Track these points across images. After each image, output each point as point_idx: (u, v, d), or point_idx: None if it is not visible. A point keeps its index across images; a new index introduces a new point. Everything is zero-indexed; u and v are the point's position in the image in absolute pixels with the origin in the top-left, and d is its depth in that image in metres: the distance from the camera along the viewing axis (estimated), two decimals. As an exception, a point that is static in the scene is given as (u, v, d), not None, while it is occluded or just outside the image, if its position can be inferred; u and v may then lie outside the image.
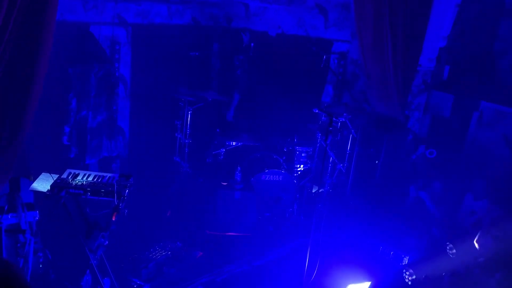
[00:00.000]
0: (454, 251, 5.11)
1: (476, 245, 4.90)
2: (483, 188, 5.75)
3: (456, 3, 6.04)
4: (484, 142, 6.12)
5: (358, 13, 5.52)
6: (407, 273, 5.02)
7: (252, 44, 6.62)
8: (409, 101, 6.31)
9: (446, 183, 6.07)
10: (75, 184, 4.33)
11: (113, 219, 4.22)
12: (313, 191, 6.59)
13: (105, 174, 4.56)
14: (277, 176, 6.30)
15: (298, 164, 6.55)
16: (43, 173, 4.46)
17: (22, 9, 3.33)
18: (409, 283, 4.93)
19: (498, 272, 4.41)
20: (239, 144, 6.44)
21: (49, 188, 4.24)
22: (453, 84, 6.42)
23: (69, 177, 4.43)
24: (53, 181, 4.33)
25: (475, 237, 4.97)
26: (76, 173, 4.55)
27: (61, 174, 4.45)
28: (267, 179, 6.27)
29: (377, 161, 6.37)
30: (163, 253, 5.29)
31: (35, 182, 4.31)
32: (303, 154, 6.54)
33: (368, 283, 4.95)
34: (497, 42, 6.47)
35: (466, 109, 6.28)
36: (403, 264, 5.24)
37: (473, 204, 5.67)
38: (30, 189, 4.25)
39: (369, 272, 5.15)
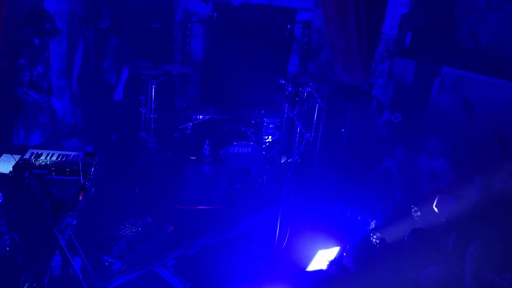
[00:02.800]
0: (419, 213, 5.31)
1: (435, 209, 5.10)
2: (439, 149, 5.93)
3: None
4: (444, 106, 6.29)
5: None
6: (374, 236, 5.19)
7: (215, 14, 6.55)
8: (372, 69, 6.42)
9: (410, 149, 6.23)
10: (39, 164, 4.26)
11: (80, 198, 4.20)
12: (282, 161, 6.69)
13: (69, 153, 4.50)
14: (245, 148, 6.35)
15: (266, 136, 6.59)
16: (4, 154, 4.38)
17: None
18: (376, 244, 5.10)
19: (454, 231, 4.60)
20: (206, 117, 6.43)
21: (11, 169, 4.18)
22: (415, 50, 6.53)
23: (32, 157, 4.35)
24: (15, 162, 4.27)
25: (434, 200, 5.16)
26: (39, 153, 4.46)
27: (23, 154, 4.38)
28: (235, 151, 6.31)
29: (343, 129, 6.47)
30: (134, 230, 5.29)
31: (-4, 163, 4.25)
32: (270, 125, 6.58)
33: (337, 248, 5.09)
34: (458, 7, 6.59)
35: (428, 75, 6.42)
36: (370, 228, 5.39)
37: (430, 165, 5.85)
38: (-9, 170, 4.19)
39: (338, 237, 5.30)
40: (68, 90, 6.64)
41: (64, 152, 4.50)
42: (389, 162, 6.23)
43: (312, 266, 4.96)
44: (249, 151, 6.37)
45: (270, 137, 6.61)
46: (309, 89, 6.12)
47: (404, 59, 6.57)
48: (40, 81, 5.18)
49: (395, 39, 6.49)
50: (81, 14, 6.41)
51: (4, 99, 5.13)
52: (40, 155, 4.43)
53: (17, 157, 4.34)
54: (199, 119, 6.39)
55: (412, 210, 5.35)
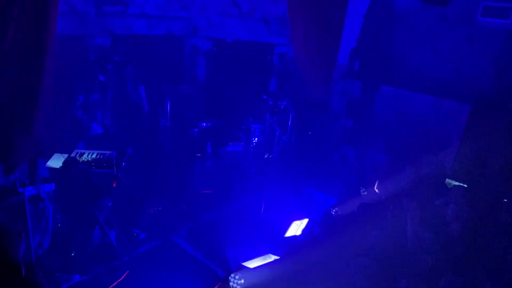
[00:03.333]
0: (365, 193, 5.36)
1: (376, 190, 5.15)
2: (379, 145, 6.01)
3: (362, 13, 6.16)
4: (384, 115, 6.37)
5: (292, 25, 5.58)
6: (334, 210, 5.23)
7: (214, 48, 6.57)
8: (331, 87, 6.44)
9: (358, 146, 6.30)
10: (82, 160, 4.32)
11: (114, 185, 4.23)
12: (265, 157, 6.68)
13: (105, 152, 4.52)
14: (238, 147, 6.35)
15: (253, 138, 6.59)
16: (55, 154, 4.38)
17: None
18: (335, 216, 5.14)
19: (391, 205, 4.66)
20: (209, 124, 6.40)
21: (61, 165, 4.20)
22: (361, 74, 6.59)
23: (77, 156, 4.40)
24: (64, 159, 4.28)
25: (375, 183, 5.21)
26: (82, 152, 4.50)
27: (70, 153, 4.39)
28: (230, 150, 6.30)
29: (310, 132, 6.51)
30: (155, 209, 5.31)
31: (49, 161, 4.24)
32: (257, 130, 6.58)
33: (307, 220, 5.09)
34: (391, 41, 6.68)
35: (371, 92, 6.49)
36: (331, 204, 5.37)
37: (375, 158, 5.92)
38: (46, 166, 4.18)
39: (307, 211, 5.31)
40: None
41: (101, 151, 4.53)
42: (344, 155, 6.28)
43: (289, 233, 4.96)
44: (241, 149, 6.38)
45: (256, 139, 6.61)
46: (285, 103, 6.17)
47: (353, 80, 6.61)
48: None
49: (347, 66, 6.54)
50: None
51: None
52: (83, 153, 4.46)
53: (65, 155, 4.34)
54: (203, 126, 6.36)
55: (361, 191, 5.40)
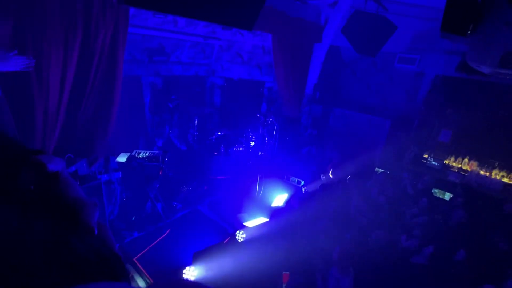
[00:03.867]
0: (324, 177, 5.41)
1: (330, 175, 5.19)
2: (333, 146, 6.05)
3: (321, 61, 6.23)
4: (336, 127, 6.43)
5: (276, 69, 5.62)
6: (303, 189, 5.26)
7: (225, 84, 6.57)
8: (301, 109, 6.49)
9: (319, 146, 6.33)
10: (139, 157, 4.26)
11: (160, 174, 4.20)
12: (259, 154, 6.69)
13: (154, 152, 4.49)
14: (240, 148, 6.31)
15: (251, 142, 6.55)
16: (122, 153, 4.34)
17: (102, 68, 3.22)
18: (304, 193, 5.17)
19: (340, 184, 4.70)
20: (222, 133, 6.37)
21: (125, 160, 4.15)
22: (321, 100, 6.63)
23: (135, 154, 4.34)
24: (127, 156, 4.24)
25: (330, 170, 5.25)
26: (139, 151, 4.44)
27: (131, 152, 4.35)
28: (235, 150, 6.27)
29: (287, 138, 6.53)
30: (187, 188, 5.27)
31: (118, 157, 4.20)
32: (253, 137, 6.53)
33: (286, 194, 5.12)
34: (340, 79, 6.76)
35: (327, 112, 6.54)
36: (301, 185, 5.42)
37: (330, 154, 5.95)
38: (115, 161, 4.14)
39: (286, 189, 5.34)
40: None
41: (152, 151, 4.50)
42: (310, 150, 6.29)
43: (274, 204, 4.98)
44: (243, 149, 6.36)
45: (253, 143, 6.57)
46: (271, 119, 6.17)
47: (316, 104, 6.66)
48: None
49: (311, 95, 6.57)
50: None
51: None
52: (140, 152, 4.40)
53: (128, 153, 4.30)
54: (218, 134, 6.35)
55: (321, 175, 5.45)
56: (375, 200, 4.26)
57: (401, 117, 5.54)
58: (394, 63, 5.50)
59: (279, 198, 5.06)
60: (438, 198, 4.56)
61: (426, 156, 5.26)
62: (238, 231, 3.91)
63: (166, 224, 4.38)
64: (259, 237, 3.80)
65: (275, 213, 4.44)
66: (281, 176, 5.68)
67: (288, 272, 3.01)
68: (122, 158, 4.13)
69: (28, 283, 0.32)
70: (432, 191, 4.63)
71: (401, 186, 4.61)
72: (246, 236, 3.85)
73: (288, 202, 4.75)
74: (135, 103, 5.30)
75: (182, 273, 3.07)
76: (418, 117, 5.36)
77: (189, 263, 3.24)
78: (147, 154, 4.35)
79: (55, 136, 3.05)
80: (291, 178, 5.61)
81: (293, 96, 5.93)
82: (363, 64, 6.29)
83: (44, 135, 2.94)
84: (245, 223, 4.32)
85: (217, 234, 4.27)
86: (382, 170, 5.40)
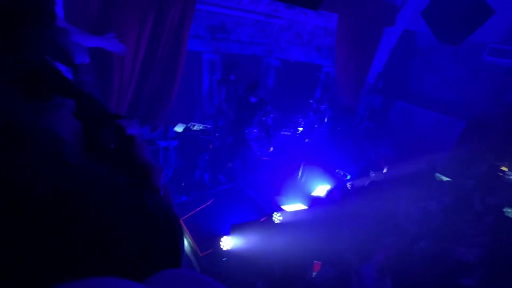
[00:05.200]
0: (374, 175, 5.12)
1: (382, 174, 4.87)
2: (389, 143, 5.62)
3: (390, 47, 5.66)
4: (395, 122, 5.93)
5: (337, 52, 5.33)
6: (348, 184, 5.09)
7: (281, 65, 6.49)
8: (359, 99, 6.11)
9: (374, 141, 5.95)
10: (194, 129, 4.55)
11: (210, 146, 4.47)
12: (305, 140, 6.63)
13: (207, 126, 4.74)
14: (287, 132, 6.29)
15: (299, 127, 6.46)
16: (179, 124, 4.71)
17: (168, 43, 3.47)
18: (349, 188, 5.01)
19: (391, 186, 4.39)
20: (272, 115, 6.38)
21: (182, 130, 4.50)
22: (383, 91, 6.13)
23: (191, 126, 4.64)
24: (184, 127, 4.59)
25: (384, 168, 4.93)
26: (194, 124, 4.74)
27: (187, 124, 4.68)
28: (282, 133, 6.28)
29: (339, 128, 6.28)
30: (233, 164, 5.50)
31: (176, 127, 4.57)
32: (302, 122, 6.43)
33: (329, 186, 5.02)
34: (410, 69, 6.07)
35: (388, 105, 6.04)
36: (347, 179, 5.26)
37: (384, 151, 5.57)
38: (174, 130, 4.51)
39: (330, 180, 5.22)
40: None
41: (204, 125, 4.76)
42: (361, 146, 5.99)
43: (316, 193, 4.94)
44: (290, 134, 6.35)
45: (301, 128, 6.47)
46: (324, 106, 5.98)
47: (376, 95, 6.18)
48: None
49: (373, 84, 6.11)
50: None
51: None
52: (195, 125, 4.71)
53: (184, 125, 4.66)
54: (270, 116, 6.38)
55: (370, 172, 5.18)
56: (428, 207, 3.91)
57: (479, 119, 4.78)
58: (483, 56, 4.67)
59: (321, 188, 5.00)
60: (510, 219, 3.93)
61: (504, 169, 4.51)
62: (275, 213, 4.01)
63: (211, 193, 4.71)
64: (296, 223, 3.86)
65: (314, 202, 4.44)
66: (326, 167, 5.56)
67: (320, 262, 3.04)
68: (179, 128, 4.50)
69: (110, 225, 0.35)
70: (504, 210, 4.01)
71: (463, 197, 4.10)
72: (283, 218, 3.94)
73: (330, 194, 4.68)
74: (194, 78, 5.65)
75: (220, 240, 3.35)
76: (502, 123, 4.56)
77: (226, 233, 3.49)
78: (201, 127, 4.64)
79: (127, 101, 3.49)
80: (336, 170, 5.45)
81: (352, 84, 5.59)
82: (441, 53, 5.49)
83: (118, 99, 3.39)
84: (283, 206, 4.41)
85: (255, 211, 4.45)
86: (445, 178, 4.85)
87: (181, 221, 3.99)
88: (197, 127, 4.62)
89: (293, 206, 4.46)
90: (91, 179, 0.39)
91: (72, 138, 0.46)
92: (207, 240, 3.65)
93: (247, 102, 4.59)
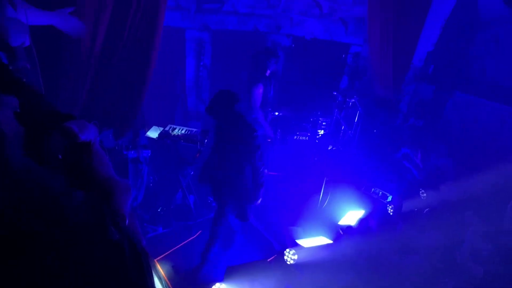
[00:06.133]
0: (425, 195, 5.08)
1: (438, 193, 4.82)
2: (445, 149, 5.59)
3: (444, 18, 5.69)
4: (453, 120, 5.90)
5: (369, 26, 5.35)
6: (390, 208, 5.05)
7: (293, 45, 6.54)
8: (402, 88, 6.10)
9: (424, 146, 5.92)
10: (174, 134, 4.56)
11: (197, 156, 4.48)
12: (329, 148, 6.60)
13: (192, 129, 4.74)
14: (303, 137, 6.30)
15: (319, 130, 6.49)
16: (153, 126, 4.75)
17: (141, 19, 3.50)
18: (391, 213, 4.97)
19: (452, 212, 4.35)
20: (280, 114, 6.39)
21: (157, 136, 4.52)
22: (435, 78, 6.13)
23: (170, 129, 4.66)
24: (160, 131, 4.61)
25: (439, 185, 4.89)
26: (174, 127, 4.76)
27: (164, 127, 4.70)
28: (296, 138, 6.28)
29: (375, 130, 6.27)
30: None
31: (149, 131, 4.60)
32: (323, 123, 6.44)
33: (362, 211, 4.98)
34: (473, 47, 6.08)
35: (444, 96, 6.03)
36: (387, 201, 5.22)
37: (438, 161, 5.53)
38: (146, 135, 4.54)
39: (363, 204, 5.16)
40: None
41: (189, 128, 4.76)
42: (407, 155, 5.95)
43: (343, 221, 4.88)
44: (306, 139, 6.35)
45: (322, 131, 6.49)
46: (353, 100, 5.98)
47: (426, 83, 6.17)
48: None
49: (421, 69, 6.12)
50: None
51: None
52: (175, 128, 4.73)
53: (161, 128, 4.68)
54: (275, 115, 6.42)
55: (420, 192, 5.14)
56: (503, 242, 3.86)
57: None
58: None
59: (351, 214, 4.97)
60: None
61: None
62: (287, 250, 3.99)
63: (197, 223, 4.69)
64: (316, 263, 3.83)
65: (343, 234, 4.41)
66: (358, 184, 5.55)
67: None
68: (153, 133, 4.52)
69: (61, 254, 0.38)
70: None
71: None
72: (298, 258, 3.91)
73: (364, 222, 4.64)
74: (175, 64, 5.70)
75: (210, 289, 3.32)
76: None
77: (219, 279, 3.46)
78: (183, 131, 4.65)
79: (83, 97, 3.51)
80: (372, 189, 5.42)
81: (391, 68, 5.60)
82: (515, 26, 5.51)
83: (72, 94, 3.41)
84: (298, 241, 4.38)
85: (259, 248, 4.43)
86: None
87: (155, 261, 4.00)
88: (178, 131, 4.63)
89: (313, 240, 4.42)
90: (40, 192, 0.40)
91: (17, 143, 0.47)
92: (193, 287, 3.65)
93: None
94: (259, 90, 4.81)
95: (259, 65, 4.80)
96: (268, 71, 4.89)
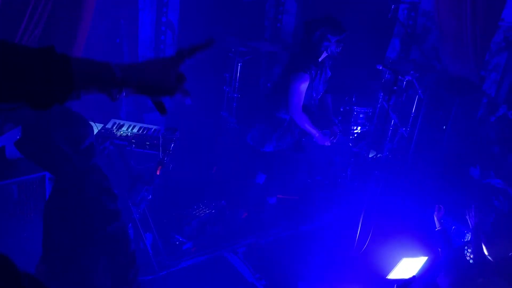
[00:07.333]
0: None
1: None
2: None
3: None
4: None
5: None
6: (469, 250, 4.89)
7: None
8: (486, 60, 6.02)
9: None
10: (120, 135, 4.47)
11: (158, 173, 4.35)
12: (370, 156, 6.49)
13: (150, 126, 4.68)
14: (331, 136, 6.20)
15: (355, 126, 6.41)
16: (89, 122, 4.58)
17: None
18: (471, 261, 4.81)
19: None
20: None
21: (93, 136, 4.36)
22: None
23: (114, 127, 4.58)
24: (97, 130, 4.45)
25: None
26: (121, 123, 4.67)
27: (105, 124, 4.57)
28: (320, 138, 6.18)
29: (444, 126, 6.16)
30: (207, 211, 5.41)
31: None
32: (361, 115, 6.38)
33: (424, 258, 4.85)
34: None
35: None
36: (466, 240, 5.11)
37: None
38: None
39: (426, 246, 5.06)
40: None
41: (145, 125, 4.69)
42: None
43: (394, 275, 4.78)
44: (334, 141, 6.21)
45: (359, 128, 6.41)
46: (410, 78, 5.88)
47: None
48: None
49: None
50: None
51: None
52: (122, 125, 4.64)
53: (100, 125, 4.53)
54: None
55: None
56: None
57: None
58: None
59: (407, 263, 4.85)
60: None
61: None
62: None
63: (159, 277, 4.60)
64: None
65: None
66: (418, 212, 5.53)
67: None
68: (87, 133, 4.39)
69: None
70: None
71: None
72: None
73: (428, 275, 4.60)
74: (121, 22, 5.61)
75: None
76: None
77: None
78: (135, 130, 4.56)
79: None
80: (441, 221, 5.30)
81: (469, 29, 5.50)
82: None
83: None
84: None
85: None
86: None
87: None
88: (127, 129, 4.55)
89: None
90: None
91: None
92: None
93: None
94: (302, 84, 4.78)
95: (311, 42, 4.77)
96: (324, 54, 4.89)
